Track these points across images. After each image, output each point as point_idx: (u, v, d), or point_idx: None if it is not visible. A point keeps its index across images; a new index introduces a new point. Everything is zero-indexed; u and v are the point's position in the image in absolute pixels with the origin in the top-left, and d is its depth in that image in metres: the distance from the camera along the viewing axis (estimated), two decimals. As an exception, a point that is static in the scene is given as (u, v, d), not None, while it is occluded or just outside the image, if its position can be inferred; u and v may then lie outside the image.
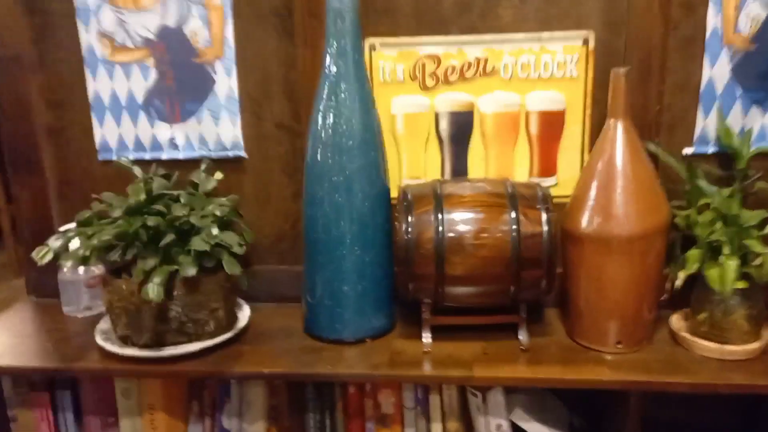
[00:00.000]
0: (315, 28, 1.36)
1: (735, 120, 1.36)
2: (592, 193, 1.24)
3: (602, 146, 1.25)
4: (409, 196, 1.31)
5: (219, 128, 1.46)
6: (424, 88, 1.41)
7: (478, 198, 1.29)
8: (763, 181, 1.31)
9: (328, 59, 1.27)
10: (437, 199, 1.29)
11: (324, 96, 1.27)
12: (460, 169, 1.45)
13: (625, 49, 1.35)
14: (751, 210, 1.26)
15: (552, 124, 1.41)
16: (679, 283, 1.22)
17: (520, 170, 1.45)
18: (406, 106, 1.43)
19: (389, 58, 1.40)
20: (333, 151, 1.27)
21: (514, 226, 1.25)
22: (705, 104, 1.36)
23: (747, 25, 1.30)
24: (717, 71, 1.33)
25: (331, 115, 1.27)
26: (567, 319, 1.37)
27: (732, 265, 1.18)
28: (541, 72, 1.38)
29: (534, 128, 1.42)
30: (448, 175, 1.46)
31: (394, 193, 1.41)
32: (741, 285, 1.21)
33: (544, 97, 1.40)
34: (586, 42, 1.36)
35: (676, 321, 1.36)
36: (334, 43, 1.26)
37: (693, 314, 1.30)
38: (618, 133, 1.24)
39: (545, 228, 1.25)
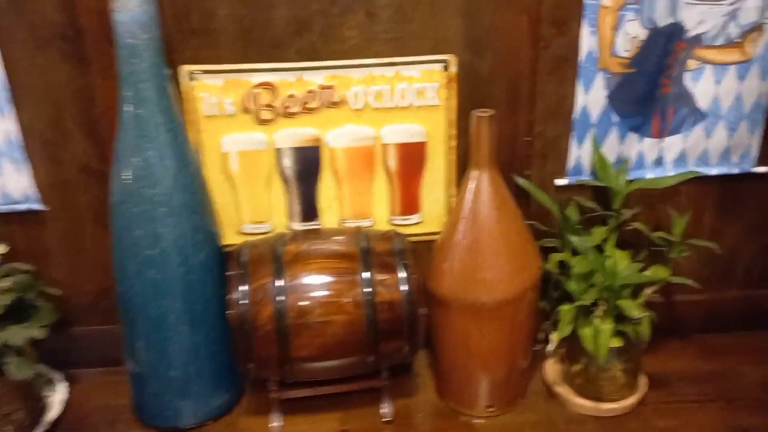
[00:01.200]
0: (113, 55, 1.07)
1: (611, 148, 1.22)
2: (458, 254, 1.08)
3: (466, 201, 1.08)
4: (244, 259, 1.10)
5: (2, 179, 1.17)
6: (261, 122, 1.17)
7: (326, 260, 1.10)
8: (639, 222, 1.20)
9: (126, 107, 1.00)
10: (278, 263, 1.08)
11: (125, 150, 1.02)
12: (309, 210, 1.25)
13: (490, 72, 1.16)
14: (624, 251, 1.15)
15: (412, 157, 1.22)
16: (551, 348, 1.10)
17: (380, 208, 1.26)
18: (241, 143, 1.19)
19: (214, 89, 1.14)
20: (143, 220, 1.04)
21: (369, 297, 1.07)
22: (579, 132, 1.21)
23: (625, 47, 1.14)
24: (592, 97, 1.18)
25: (137, 174, 1.02)
26: (436, 377, 1.24)
27: (606, 330, 1.07)
28: (397, 101, 1.17)
29: (393, 163, 1.22)
30: (296, 217, 1.25)
31: (233, 239, 1.19)
32: (616, 343, 1.11)
33: (401, 130, 1.20)
34: (446, 66, 1.16)
35: (551, 369, 1.26)
36: (132, 87, 0.99)
37: (568, 362, 1.20)
38: (483, 186, 1.07)
39: (404, 292, 1.08)
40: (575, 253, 1.18)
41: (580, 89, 1.17)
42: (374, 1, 1.10)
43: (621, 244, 1.19)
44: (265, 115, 1.17)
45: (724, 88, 1.18)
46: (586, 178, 1.24)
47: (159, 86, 1.00)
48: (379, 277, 1.08)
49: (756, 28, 1.14)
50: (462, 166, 1.22)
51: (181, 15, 1.09)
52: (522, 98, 1.17)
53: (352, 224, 1.26)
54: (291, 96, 1.16)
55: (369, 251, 1.11)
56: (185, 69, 1.13)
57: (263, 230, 1.26)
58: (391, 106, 1.18)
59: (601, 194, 1.26)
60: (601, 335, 1.06)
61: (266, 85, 1.15)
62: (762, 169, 1.25)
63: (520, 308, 1.10)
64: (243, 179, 1.21)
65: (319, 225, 1.26)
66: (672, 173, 1.24)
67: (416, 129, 1.20)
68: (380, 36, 1.13)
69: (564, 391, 1.20)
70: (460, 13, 1.12)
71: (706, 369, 1.26)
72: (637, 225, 1.18)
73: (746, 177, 1.26)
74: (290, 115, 1.17)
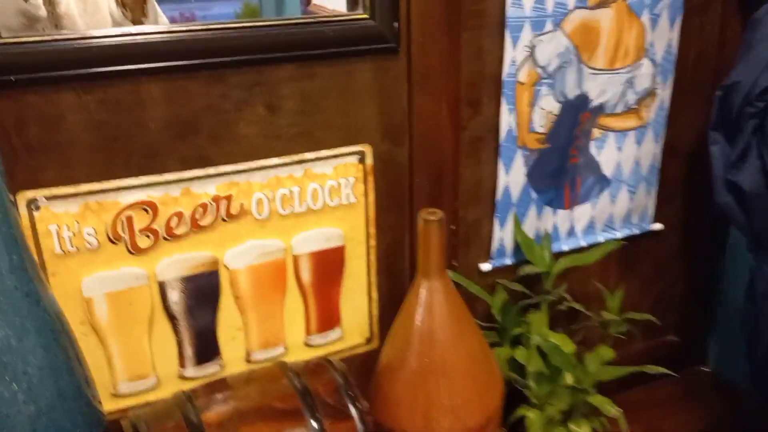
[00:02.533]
0: None
1: (530, 225, 1.15)
2: (416, 381, 0.91)
3: (418, 317, 0.91)
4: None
5: None
6: (136, 251, 0.89)
7: (265, 424, 0.85)
8: (572, 301, 1.13)
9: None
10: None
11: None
12: (206, 349, 0.98)
13: (410, 161, 1.02)
14: (560, 335, 1.07)
15: (330, 265, 1.03)
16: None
17: (294, 330, 1.04)
18: (109, 283, 0.89)
19: (67, 217, 0.84)
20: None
21: (325, 460, 0.85)
22: (501, 214, 1.11)
23: (540, 123, 1.07)
24: (513, 176, 1.09)
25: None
26: None
27: (584, 434, 0.97)
28: (309, 203, 0.97)
29: (306, 275, 1.02)
30: (189, 361, 0.98)
31: (106, 405, 0.89)
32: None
33: (316, 236, 1.00)
34: (362, 159, 0.99)
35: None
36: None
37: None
38: (436, 298, 0.91)
39: (362, 439, 0.88)
40: (514, 345, 1.08)
41: (501, 169, 1.08)
42: (275, 90, 0.90)
43: (551, 327, 1.11)
44: (142, 242, 0.89)
45: (625, 154, 1.18)
46: (508, 261, 1.15)
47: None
48: (332, 428, 0.87)
49: (650, 94, 1.15)
50: (383, 267, 1.06)
51: (10, 126, 0.79)
52: (446, 185, 1.04)
53: (261, 358, 1.02)
54: (176, 215, 0.90)
55: (307, 393, 0.89)
56: (24, 197, 0.81)
57: (146, 387, 0.96)
58: (302, 210, 0.97)
59: (525, 275, 1.18)
60: (580, 442, 0.96)
61: (141, 205, 0.87)
62: (657, 226, 1.27)
63: (491, 428, 0.96)
64: (114, 328, 0.92)
65: (219, 366, 1.00)
66: (583, 242, 1.21)
67: (332, 233, 1.01)
68: (284, 131, 0.93)
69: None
70: (373, 100, 0.96)
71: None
72: (573, 304, 1.11)
73: (643, 236, 1.27)
74: (176, 237, 0.91)
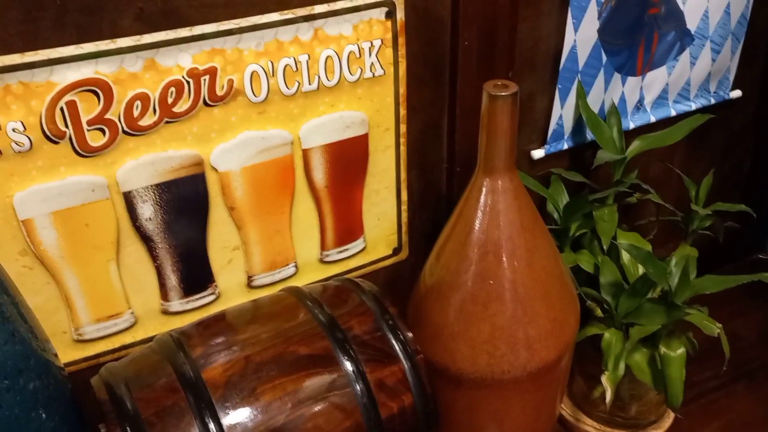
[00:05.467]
0: None
1: (595, 99, 0.90)
2: (479, 309, 0.70)
3: (479, 226, 0.69)
4: (131, 411, 0.59)
5: None
6: (87, 151, 0.63)
7: (288, 378, 0.64)
8: (645, 190, 0.91)
9: None
10: (202, 407, 0.60)
11: None
12: (196, 275, 0.75)
13: (453, 14, 0.74)
14: (634, 234, 0.86)
15: (350, 160, 0.78)
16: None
17: (306, 245, 0.81)
18: (53, 199, 0.64)
19: (-21, 108, 0.57)
20: None
21: (371, 418, 0.65)
22: (563, 83, 0.86)
23: (624, -43, 0.80)
24: (583, 33, 0.83)
25: None
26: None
27: (680, 358, 0.78)
28: (322, 78, 0.71)
29: (320, 175, 0.77)
30: (174, 292, 0.75)
31: (67, 355, 0.68)
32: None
33: (331, 123, 0.74)
34: (391, 12, 0.71)
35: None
36: None
37: (584, 383, 0.91)
38: (503, 202, 0.68)
39: (416, 388, 0.68)
40: (575, 248, 0.88)
41: (569, 23, 0.81)
42: None
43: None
44: (94, 139, 0.63)
45: (714, 1, 0.91)
46: (566, 145, 0.92)
47: None
48: (374, 375, 0.66)
49: None
50: (414, 158, 0.82)
51: None
52: (499, 47, 0.78)
53: (266, 282, 0.80)
54: (139, 98, 0.63)
55: (341, 332, 0.67)
56: None
57: (119, 327, 0.74)
58: (312, 88, 0.71)
59: (580, 161, 0.95)
60: (673, 366, 0.78)
61: (87, 85, 0.60)
62: (736, 94, 1.04)
63: (566, 364, 0.76)
64: (69, 258, 0.67)
65: (214, 295, 0.77)
66: (652, 117, 0.97)
67: (353, 117, 0.75)
68: (285, -27, 0.64)
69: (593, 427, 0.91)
70: None
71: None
72: (651, 196, 0.89)
73: (718, 106, 1.03)
74: (141, 130, 0.65)
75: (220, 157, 0.70)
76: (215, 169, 0.70)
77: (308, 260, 0.82)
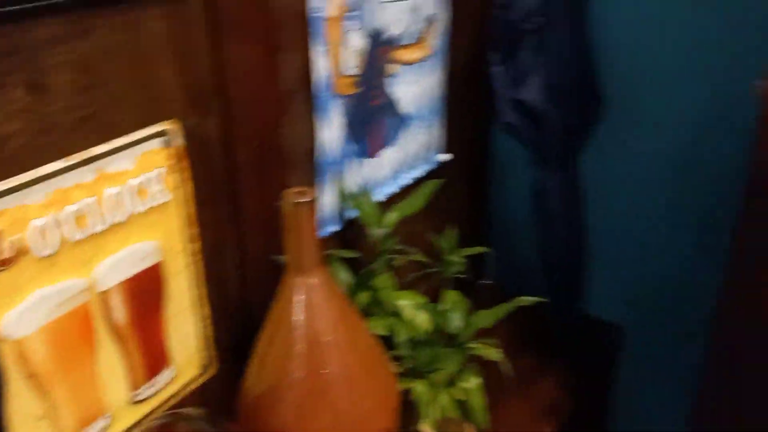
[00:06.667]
0: None
1: (349, 182, 1.02)
2: (309, 408, 0.73)
3: (295, 328, 0.73)
4: None
5: None
6: None
7: None
8: (407, 252, 1.04)
9: None
10: None
11: None
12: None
13: (227, 132, 0.79)
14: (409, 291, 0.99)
15: (146, 291, 0.76)
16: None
17: (116, 390, 0.76)
18: None
19: None
20: None
21: None
22: (323, 176, 0.96)
23: (352, 63, 0.93)
24: (331, 130, 0.94)
25: None
26: None
27: (478, 385, 0.91)
28: (110, 217, 0.69)
29: (119, 314, 0.74)
30: (-27, 491, 0.64)
31: None
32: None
33: (125, 258, 0.72)
34: (169, 140, 0.73)
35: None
36: None
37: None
38: (317, 297, 0.73)
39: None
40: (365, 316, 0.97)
41: (319, 124, 0.91)
42: (37, 59, 0.59)
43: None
44: None
45: (418, 88, 1.11)
46: (335, 227, 1.01)
47: None
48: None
49: (433, 21, 1.09)
50: (209, 271, 0.83)
51: None
52: (272, 154, 0.84)
53: (81, 442, 0.72)
54: None
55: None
56: None
57: None
58: (103, 228, 0.68)
59: (349, 238, 1.05)
60: (473, 396, 0.90)
61: None
62: (447, 157, 1.25)
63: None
64: None
65: (21, 478, 0.68)
66: (392, 188, 1.13)
67: (146, 248, 0.74)
68: (60, 119, 0.62)
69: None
70: (172, 58, 0.70)
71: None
72: (414, 256, 1.03)
73: (436, 168, 1.23)
74: None
75: (12, 324, 0.63)
76: (6, 339, 0.63)
77: (120, 406, 0.76)
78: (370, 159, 1.06)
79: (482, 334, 0.96)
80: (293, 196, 0.69)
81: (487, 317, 0.93)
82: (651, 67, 1.12)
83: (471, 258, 1.14)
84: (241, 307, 0.88)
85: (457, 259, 1.05)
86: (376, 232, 0.97)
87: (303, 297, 0.73)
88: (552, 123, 1.15)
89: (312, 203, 0.69)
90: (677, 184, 1.16)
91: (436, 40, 1.11)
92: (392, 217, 1.01)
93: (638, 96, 1.15)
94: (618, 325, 1.31)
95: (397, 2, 1.00)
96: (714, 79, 1.05)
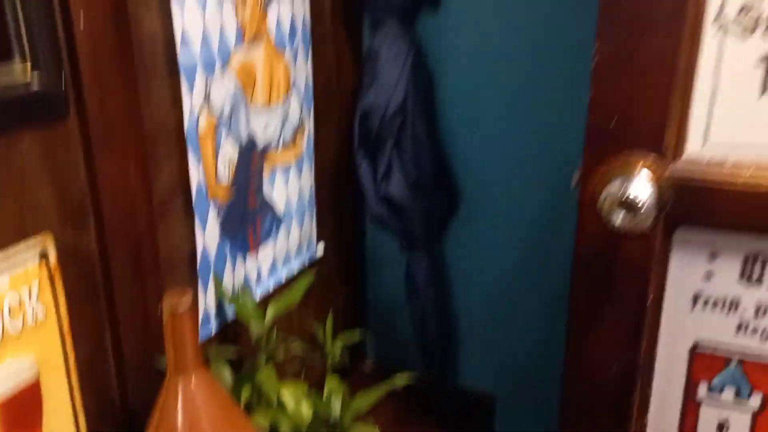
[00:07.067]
0: None
1: (228, 281, 1.06)
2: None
3: (179, 428, 0.75)
4: None
5: None
6: None
7: None
8: (288, 344, 1.09)
9: None
10: None
11: None
12: None
13: (102, 244, 0.82)
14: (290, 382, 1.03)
15: (24, 411, 0.75)
16: None
17: None
18: None
19: None
20: None
21: None
22: (203, 278, 0.99)
23: (225, 171, 0.99)
24: (209, 234, 0.98)
25: None
26: None
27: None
28: (-17, 337, 0.69)
29: (-8, 436, 0.72)
30: None
31: None
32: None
33: (2, 378, 0.72)
34: (44, 255, 0.75)
35: None
36: None
37: None
38: (202, 402, 0.76)
39: None
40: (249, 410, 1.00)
41: (197, 229, 0.96)
42: None
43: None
44: None
45: (291, 188, 1.18)
46: (216, 327, 1.04)
47: None
48: None
49: (301, 126, 1.18)
50: (86, 382, 0.83)
51: None
52: (147, 263, 0.87)
53: None
54: None
55: None
56: None
57: None
58: (-25, 349, 0.68)
59: (231, 336, 1.08)
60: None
61: None
62: (321, 250, 1.32)
63: None
64: None
65: None
66: (270, 283, 1.17)
67: (21, 366, 0.74)
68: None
69: None
70: (47, 175, 0.74)
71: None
72: (294, 347, 1.07)
73: (312, 261, 1.30)
74: None
75: None
76: None
77: None
78: (249, 258, 1.11)
79: (365, 415, 1.02)
80: (171, 300, 0.72)
81: (365, 399, 0.99)
82: (498, 161, 1.27)
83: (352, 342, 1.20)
84: (122, 415, 0.88)
85: (336, 346, 1.10)
86: (256, 328, 1.01)
87: (184, 400, 0.75)
88: (414, 214, 1.26)
89: (189, 306, 0.73)
90: (530, 262, 1.30)
91: (306, 143, 1.20)
92: (271, 312, 1.06)
93: (489, 186, 1.29)
94: (491, 395, 1.41)
95: (268, 112, 1.08)
96: (549, 172, 1.21)
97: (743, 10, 0.72)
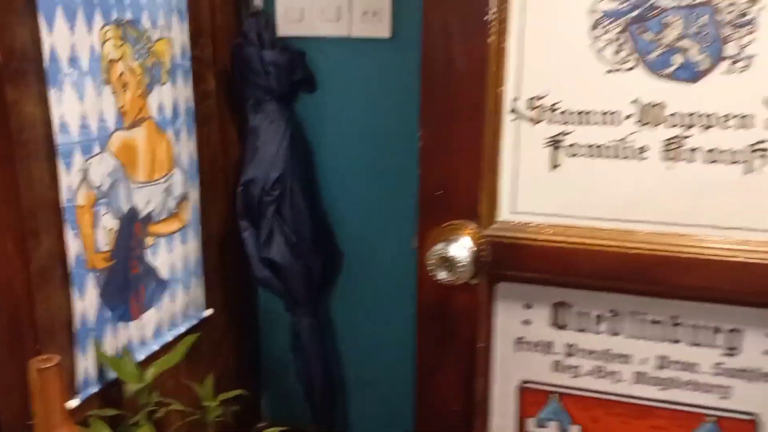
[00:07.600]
0: None
1: (110, 346, 1.12)
2: None
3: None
4: None
5: None
6: None
7: None
8: (168, 404, 1.15)
9: None
10: None
11: None
12: None
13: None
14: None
15: None
16: None
17: None
18: None
19: None
20: None
21: None
22: (82, 342, 1.05)
23: (105, 241, 1.07)
24: (87, 301, 1.05)
25: None
26: None
27: None
28: None
29: None
30: None
31: None
32: None
33: None
34: None
35: None
36: None
37: None
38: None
39: None
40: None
41: (75, 296, 1.03)
42: None
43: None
44: None
45: (175, 255, 1.27)
46: (96, 389, 1.10)
47: None
48: None
49: (184, 198, 1.27)
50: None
51: None
52: (23, 330, 0.93)
53: None
54: None
55: None
56: None
57: None
58: None
59: (111, 396, 1.14)
60: None
61: None
62: (208, 312, 1.40)
63: None
64: None
65: None
66: (155, 346, 1.24)
67: None
68: None
69: None
70: None
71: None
72: (173, 407, 1.14)
73: (200, 323, 1.38)
74: None
75: None
76: None
77: None
78: (133, 322, 1.17)
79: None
80: (38, 363, 0.79)
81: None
82: (372, 224, 1.40)
83: (244, 401, 1.27)
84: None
85: (216, 405, 1.18)
86: (135, 388, 1.08)
87: (52, 456, 0.81)
88: (295, 275, 1.36)
89: (56, 368, 0.80)
90: (409, 312, 1.42)
91: (190, 213, 1.29)
92: (151, 372, 1.12)
93: (366, 247, 1.42)
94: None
95: (150, 186, 1.17)
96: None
97: (531, 100, 0.88)
